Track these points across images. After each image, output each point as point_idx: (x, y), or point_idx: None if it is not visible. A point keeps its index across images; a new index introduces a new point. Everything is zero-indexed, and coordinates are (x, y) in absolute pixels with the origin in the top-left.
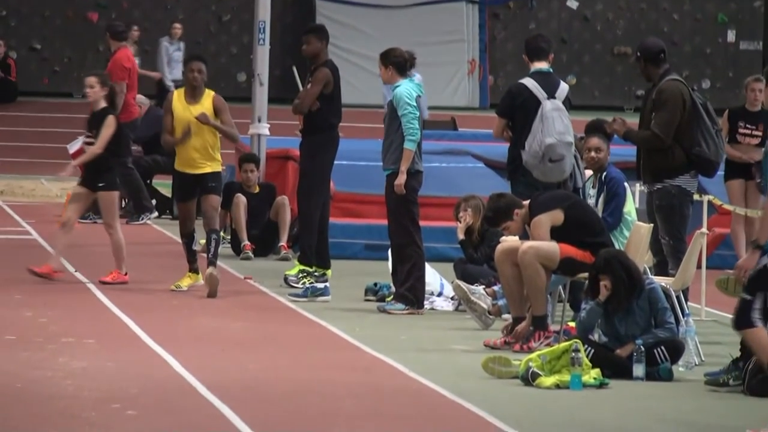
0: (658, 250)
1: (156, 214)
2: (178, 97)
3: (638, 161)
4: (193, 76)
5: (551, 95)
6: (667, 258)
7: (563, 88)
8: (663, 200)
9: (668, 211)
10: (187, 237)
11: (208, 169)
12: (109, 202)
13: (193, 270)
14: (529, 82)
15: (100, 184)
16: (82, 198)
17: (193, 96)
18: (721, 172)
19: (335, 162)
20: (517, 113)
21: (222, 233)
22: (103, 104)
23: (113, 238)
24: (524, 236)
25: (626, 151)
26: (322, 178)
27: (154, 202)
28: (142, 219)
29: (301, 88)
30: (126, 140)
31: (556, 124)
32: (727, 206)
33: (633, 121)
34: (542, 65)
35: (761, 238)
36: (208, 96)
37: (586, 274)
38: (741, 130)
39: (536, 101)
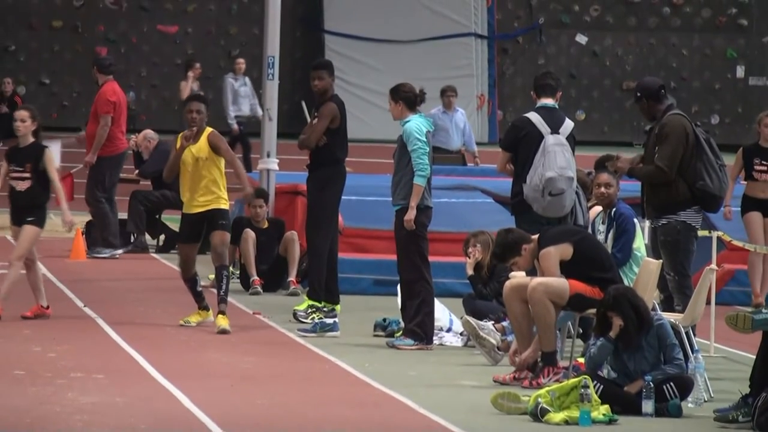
0: (664, 286)
1: (120, 252)
2: (180, 138)
3: (642, 197)
4: (192, 116)
5: (555, 130)
6: (672, 294)
7: (568, 124)
8: (667, 236)
9: (673, 247)
10: (190, 281)
11: (213, 206)
12: (29, 237)
13: (203, 308)
14: (533, 116)
15: (29, 219)
16: None
17: (192, 135)
18: (736, 208)
19: (344, 197)
20: (520, 146)
21: (231, 268)
22: (31, 139)
23: (13, 270)
24: (532, 272)
25: (636, 187)
26: (330, 213)
27: (162, 237)
28: (100, 253)
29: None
30: (106, 176)
31: (558, 158)
32: (736, 242)
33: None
34: (548, 101)
35: None
36: (205, 134)
37: (595, 310)
38: (757, 167)
39: (539, 135)
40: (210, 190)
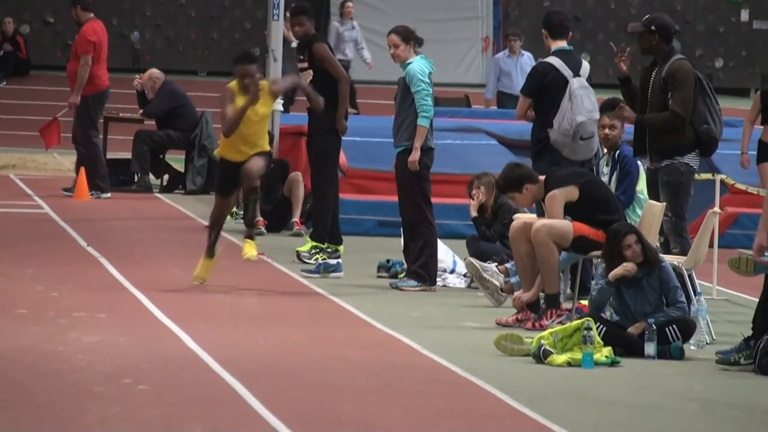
0: (660, 229)
1: (109, 195)
2: (238, 91)
3: (636, 139)
4: (244, 84)
5: (576, 73)
6: (667, 236)
7: (585, 66)
8: (670, 176)
9: (675, 188)
10: (217, 227)
11: (257, 150)
12: None
13: (210, 255)
14: (555, 60)
15: None
16: None
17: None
18: (752, 152)
19: (348, 138)
20: (545, 92)
21: (234, 209)
22: None
23: None
24: (539, 213)
25: None
26: (334, 155)
27: (166, 177)
28: (94, 194)
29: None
30: (93, 113)
31: (585, 101)
32: (739, 185)
33: None
34: (563, 44)
35: None
36: (267, 90)
37: (598, 253)
38: None
39: (564, 80)
40: (257, 144)
